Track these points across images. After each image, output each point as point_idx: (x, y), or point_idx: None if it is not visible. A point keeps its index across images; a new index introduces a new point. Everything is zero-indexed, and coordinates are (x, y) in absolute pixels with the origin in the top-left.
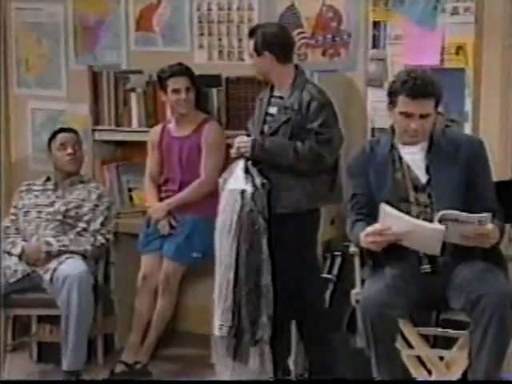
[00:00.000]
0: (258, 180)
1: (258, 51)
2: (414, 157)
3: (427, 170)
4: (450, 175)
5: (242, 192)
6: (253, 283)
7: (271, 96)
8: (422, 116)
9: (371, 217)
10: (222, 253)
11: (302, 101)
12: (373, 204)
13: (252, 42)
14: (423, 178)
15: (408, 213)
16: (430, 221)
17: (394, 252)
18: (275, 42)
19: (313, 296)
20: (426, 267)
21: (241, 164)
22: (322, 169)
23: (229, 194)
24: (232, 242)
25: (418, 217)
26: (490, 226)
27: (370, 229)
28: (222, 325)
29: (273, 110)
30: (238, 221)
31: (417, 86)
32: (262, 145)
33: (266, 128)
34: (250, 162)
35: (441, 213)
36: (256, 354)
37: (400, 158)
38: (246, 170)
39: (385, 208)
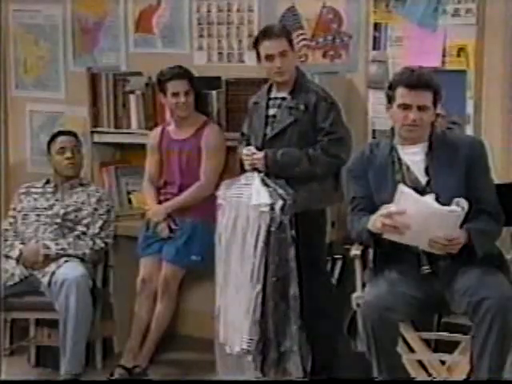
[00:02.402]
0: (282, 191)
1: (293, 47)
2: (413, 158)
3: (427, 172)
4: (450, 176)
5: (271, 206)
6: (280, 295)
7: (269, 98)
8: (420, 108)
9: None
10: (244, 267)
11: (309, 101)
12: (373, 206)
13: (284, 41)
14: (423, 180)
15: None
16: None
17: (394, 255)
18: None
19: (322, 297)
20: (426, 268)
21: (256, 177)
22: (339, 169)
23: (252, 209)
24: (261, 256)
25: None
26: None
27: (382, 211)
28: (251, 339)
29: (274, 111)
30: (267, 235)
31: (414, 76)
32: (274, 159)
33: (268, 130)
34: (262, 174)
35: (456, 199)
36: (285, 365)
37: (399, 160)
38: (264, 183)
39: (403, 189)
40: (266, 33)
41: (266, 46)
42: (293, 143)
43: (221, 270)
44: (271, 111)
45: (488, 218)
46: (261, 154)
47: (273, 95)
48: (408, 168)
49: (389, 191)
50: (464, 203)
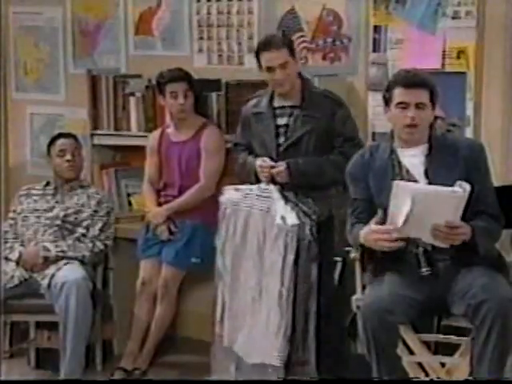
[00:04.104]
0: (306, 208)
1: (295, 56)
2: (413, 161)
3: (426, 174)
4: (449, 179)
5: (300, 226)
6: (303, 309)
7: (274, 108)
8: (418, 106)
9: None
10: (265, 281)
11: (325, 109)
12: (372, 209)
13: (285, 51)
14: (423, 182)
15: None
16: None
17: (394, 257)
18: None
19: (326, 299)
20: (426, 270)
21: (274, 191)
22: None
23: (277, 227)
24: (290, 274)
25: None
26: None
27: (374, 227)
28: (281, 355)
29: (285, 120)
30: (296, 254)
31: (410, 76)
32: (298, 169)
33: (281, 140)
34: (279, 186)
35: (459, 182)
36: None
37: (399, 163)
38: (284, 198)
39: (398, 182)
40: (266, 45)
41: (267, 59)
42: (309, 152)
43: (227, 277)
44: (281, 121)
45: (489, 219)
46: (282, 166)
47: (277, 104)
48: (408, 171)
49: (388, 194)
50: (466, 186)
